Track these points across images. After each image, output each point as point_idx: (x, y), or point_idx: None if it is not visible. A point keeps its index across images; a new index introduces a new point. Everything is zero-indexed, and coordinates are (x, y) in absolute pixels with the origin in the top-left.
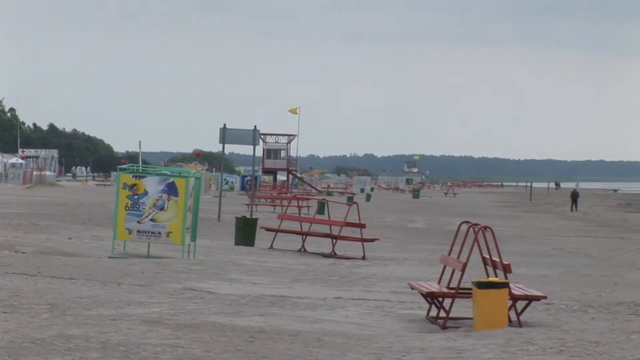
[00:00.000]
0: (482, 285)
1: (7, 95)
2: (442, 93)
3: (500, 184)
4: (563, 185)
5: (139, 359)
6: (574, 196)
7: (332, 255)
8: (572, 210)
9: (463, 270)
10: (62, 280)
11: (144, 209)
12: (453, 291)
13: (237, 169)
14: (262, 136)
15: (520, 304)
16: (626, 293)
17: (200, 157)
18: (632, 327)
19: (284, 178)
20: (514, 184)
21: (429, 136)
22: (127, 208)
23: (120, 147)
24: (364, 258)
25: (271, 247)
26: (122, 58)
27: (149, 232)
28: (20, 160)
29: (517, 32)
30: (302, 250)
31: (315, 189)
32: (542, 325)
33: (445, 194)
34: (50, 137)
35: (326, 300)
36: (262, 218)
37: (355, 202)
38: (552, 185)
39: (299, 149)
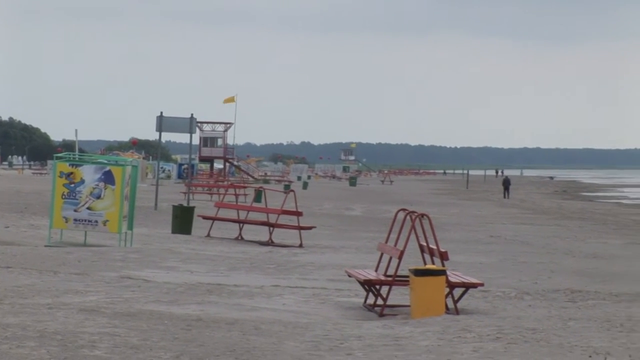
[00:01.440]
0: (419, 272)
1: None
2: (380, 81)
3: (443, 171)
4: (507, 172)
5: (76, 347)
6: (506, 184)
7: (269, 243)
8: (504, 197)
9: (400, 258)
10: None
11: (80, 197)
12: (390, 279)
13: (173, 157)
14: (199, 124)
15: (457, 291)
16: (562, 280)
17: (136, 145)
18: (569, 314)
19: (221, 166)
20: (451, 171)
21: (366, 124)
22: (63, 196)
23: (56, 135)
24: (301, 246)
25: (208, 235)
26: (58, 46)
27: (85, 220)
28: None
29: (454, 19)
30: (239, 238)
31: (252, 177)
32: (479, 312)
33: (382, 181)
34: None
35: (263, 288)
36: (199, 206)
37: (292, 190)
38: (493, 172)
39: (236, 137)
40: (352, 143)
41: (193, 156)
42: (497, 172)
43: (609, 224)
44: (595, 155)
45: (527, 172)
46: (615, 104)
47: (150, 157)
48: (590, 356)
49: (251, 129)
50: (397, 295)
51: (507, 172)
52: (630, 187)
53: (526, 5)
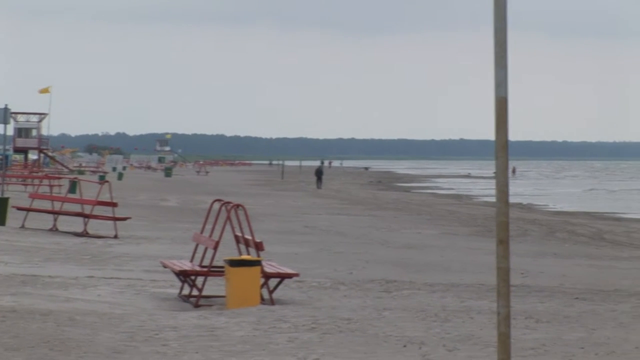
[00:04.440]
0: (234, 263)
1: None
2: (195, 72)
3: (269, 162)
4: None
5: None
6: (319, 174)
7: (84, 234)
8: (317, 187)
9: (215, 249)
10: None
11: None
12: (205, 269)
13: None
14: (13, 115)
15: (272, 282)
16: (377, 270)
17: None
18: (384, 304)
19: (36, 157)
20: (267, 162)
21: (181, 115)
22: None
23: None
24: (116, 237)
25: (22, 226)
26: None
27: None
28: None
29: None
30: (54, 229)
31: (67, 168)
32: (295, 302)
33: (198, 172)
34: None
35: (78, 279)
36: (13, 197)
37: (107, 181)
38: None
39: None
40: (167, 134)
41: (7, 147)
42: (322, 163)
43: (423, 214)
44: (410, 145)
45: (346, 163)
46: (435, 94)
47: None
48: (405, 346)
49: (66, 120)
50: (213, 286)
51: (333, 163)
52: (444, 178)
53: None
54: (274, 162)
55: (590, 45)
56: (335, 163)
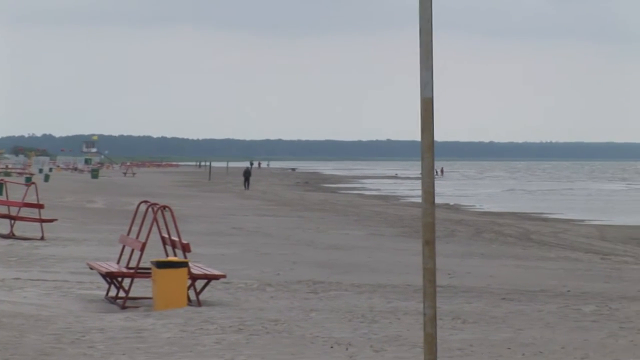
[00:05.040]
0: (161, 264)
1: None
2: (121, 73)
3: (198, 164)
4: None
5: None
6: (246, 174)
7: (11, 236)
8: (245, 188)
9: (142, 250)
10: None
11: None
12: (132, 271)
13: None
14: None
15: (199, 283)
16: (304, 271)
17: None
18: (311, 305)
19: None
20: (194, 163)
21: (107, 116)
22: None
23: None
24: (42, 239)
25: None
26: None
27: None
28: None
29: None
30: None
31: None
32: (222, 304)
33: (125, 173)
34: None
35: (4, 281)
36: None
37: (34, 183)
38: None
39: None
40: (94, 135)
41: None
42: (251, 164)
43: (350, 215)
44: (337, 146)
45: (273, 164)
46: (362, 95)
47: None
48: (332, 347)
49: None
50: (140, 288)
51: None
52: (371, 179)
53: None
54: (202, 163)
55: (518, 46)
56: (263, 164)
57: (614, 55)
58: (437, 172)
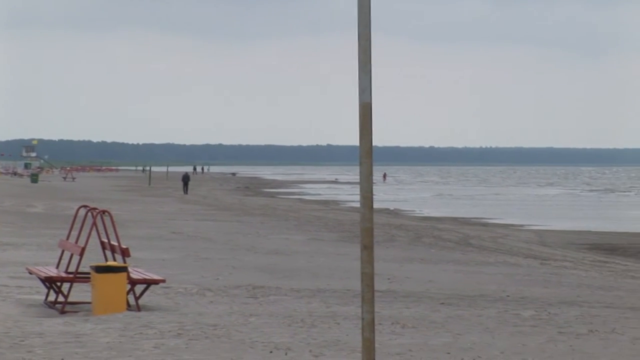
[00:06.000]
0: (100, 269)
1: None
2: (60, 77)
3: (142, 169)
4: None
5: None
6: (185, 179)
7: None
8: (184, 193)
9: (81, 255)
10: None
11: None
12: (71, 276)
13: None
14: None
15: (139, 288)
16: (244, 276)
17: None
18: (250, 310)
19: None
20: (134, 167)
21: (47, 121)
22: None
23: None
24: None
25: None
26: None
27: None
28: None
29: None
30: None
31: None
32: (161, 309)
33: (65, 178)
34: None
35: None
36: None
37: None
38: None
39: None
40: (33, 140)
41: None
42: (194, 169)
43: (290, 220)
44: (278, 151)
45: (213, 169)
46: (302, 100)
47: None
48: (271, 352)
49: None
50: (79, 292)
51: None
52: (311, 184)
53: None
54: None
55: (460, 50)
56: (198, 169)
57: (554, 60)
58: (382, 177)
